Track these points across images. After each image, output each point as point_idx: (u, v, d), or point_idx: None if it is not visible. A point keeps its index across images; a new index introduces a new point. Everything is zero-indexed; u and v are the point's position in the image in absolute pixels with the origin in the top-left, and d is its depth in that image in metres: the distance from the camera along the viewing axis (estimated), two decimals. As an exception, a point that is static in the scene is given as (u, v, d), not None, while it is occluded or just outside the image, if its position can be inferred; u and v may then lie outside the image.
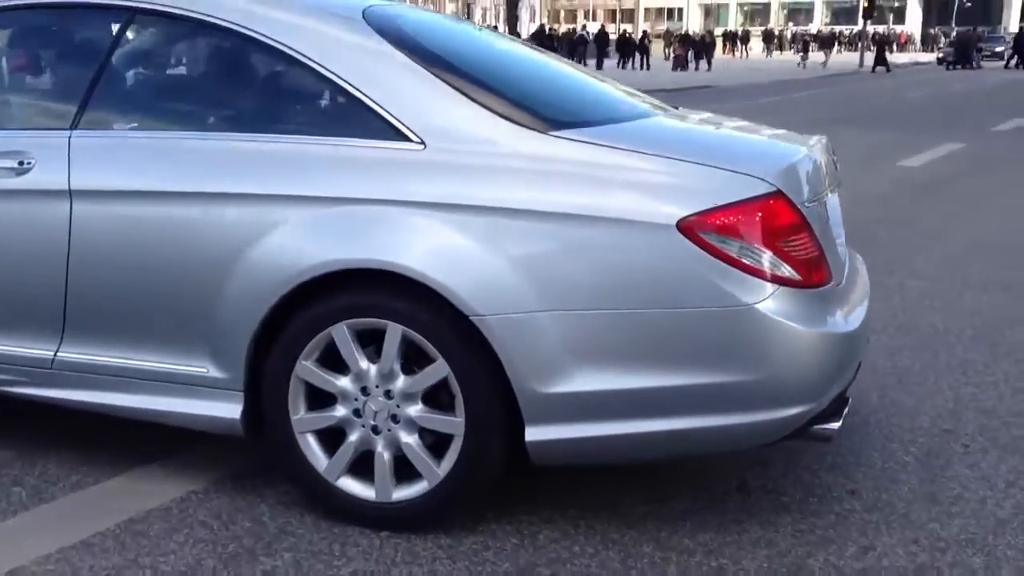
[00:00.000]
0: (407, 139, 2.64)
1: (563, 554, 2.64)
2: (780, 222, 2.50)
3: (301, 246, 2.61)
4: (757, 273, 2.46)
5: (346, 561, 2.58)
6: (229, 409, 2.77)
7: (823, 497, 3.00)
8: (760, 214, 2.47)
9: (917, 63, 47.81)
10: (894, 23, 71.74)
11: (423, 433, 2.66)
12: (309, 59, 2.75)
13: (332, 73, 2.73)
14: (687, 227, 2.44)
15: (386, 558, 2.60)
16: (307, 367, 2.67)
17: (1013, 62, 41.79)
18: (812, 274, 2.55)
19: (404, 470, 2.70)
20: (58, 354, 2.91)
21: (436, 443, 2.67)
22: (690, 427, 2.53)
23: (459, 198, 2.54)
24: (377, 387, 2.64)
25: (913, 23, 76.24)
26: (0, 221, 2.90)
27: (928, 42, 67.70)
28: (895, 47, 57.60)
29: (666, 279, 2.47)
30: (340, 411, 2.69)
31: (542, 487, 3.00)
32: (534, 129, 2.62)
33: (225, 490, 2.95)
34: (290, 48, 2.78)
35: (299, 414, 2.72)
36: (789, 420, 2.55)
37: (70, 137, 2.88)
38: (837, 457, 3.29)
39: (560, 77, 3.44)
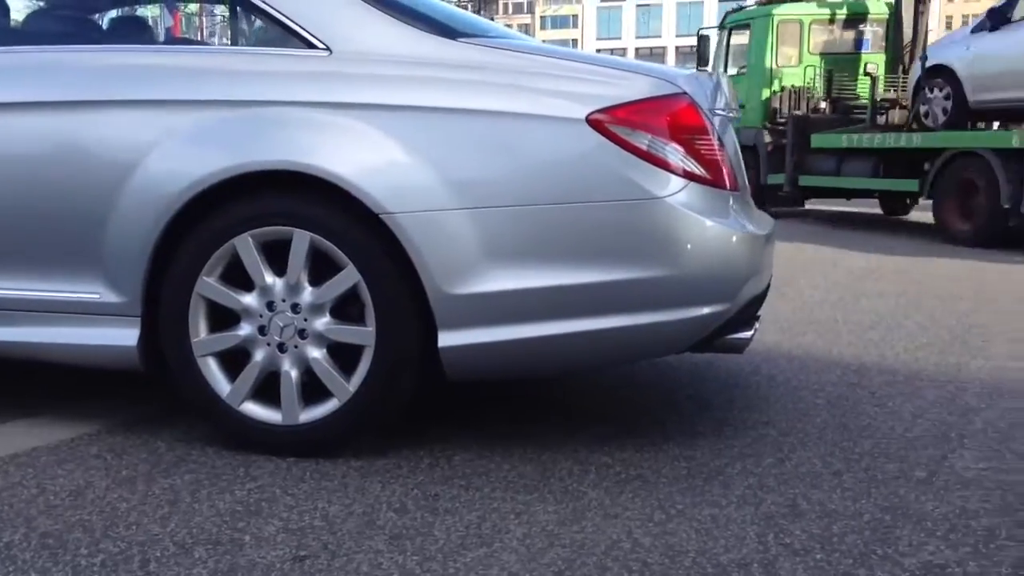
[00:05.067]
0: (312, 46, 2.60)
1: (479, 469, 2.56)
2: (687, 121, 2.53)
3: (201, 152, 2.53)
4: (667, 167, 2.47)
5: (250, 480, 2.44)
6: (125, 336, 2.63)
7: (737, 427, 2.98)
8: (669, 111, 2.50)
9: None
10: None
11: (332, 352, 2.57)
12: None
13: None
14: (597, 121, 2.46)
15: (294, 477, 2.47)
16: (209, 283, 2.56)
17: None
18: (719, 175, 2.58)
19: (311, 395, 2.59)
20: (-62, 289, 2.73)
21: (345, 364, 2.57)
22: (606, 327, 2.50)
23: (366, 98, 2.51)
24: (284, 301, 2.55)
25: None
26: None
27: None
28: None
29: (578, 173, 2.46)
30: (244, 330, 2.58)
31: (451, 428, 2.92)
32: (442, 36, 2.62)
33: (119, 432, 2.78)
34: None
35: (200, 336, 2.60)
36: (703, 320, 2.54)
37: None
38: (749, 401, 3.29)
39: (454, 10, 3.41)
